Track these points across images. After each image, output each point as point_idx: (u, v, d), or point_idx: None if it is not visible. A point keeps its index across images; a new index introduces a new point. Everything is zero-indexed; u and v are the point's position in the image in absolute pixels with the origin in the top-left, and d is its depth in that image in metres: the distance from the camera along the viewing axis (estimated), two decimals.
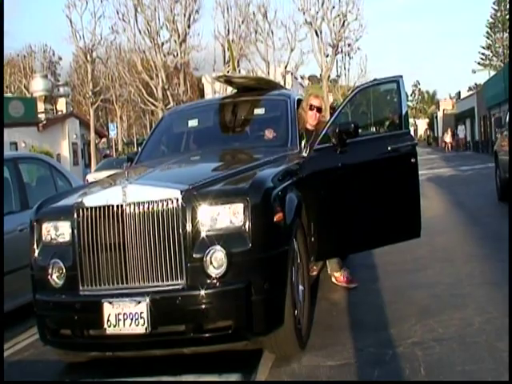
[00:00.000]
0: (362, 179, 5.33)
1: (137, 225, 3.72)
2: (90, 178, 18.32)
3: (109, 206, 3.76)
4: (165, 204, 3.70)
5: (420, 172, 13.11)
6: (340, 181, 5.22)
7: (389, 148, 5.37)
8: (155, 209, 3.71)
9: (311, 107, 5.72)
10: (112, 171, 8.03)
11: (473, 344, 4.02)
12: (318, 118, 5.74)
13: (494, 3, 69.65)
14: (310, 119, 5.72)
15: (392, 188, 5.42)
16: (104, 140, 37.68)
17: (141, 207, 3.72)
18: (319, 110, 5.75)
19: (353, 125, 5.17)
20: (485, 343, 4.01)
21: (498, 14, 69.37)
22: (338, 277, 5.81)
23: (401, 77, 5.69)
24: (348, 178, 5.26)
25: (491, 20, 70.06)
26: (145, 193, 3.77)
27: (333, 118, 5.37)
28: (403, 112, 5.61)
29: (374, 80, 6.01)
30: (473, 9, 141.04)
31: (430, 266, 6.36)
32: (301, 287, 4.34)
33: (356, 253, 6.28)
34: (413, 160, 5.44)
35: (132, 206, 3.73)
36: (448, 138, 48.49)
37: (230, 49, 7.73)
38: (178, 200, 3.69)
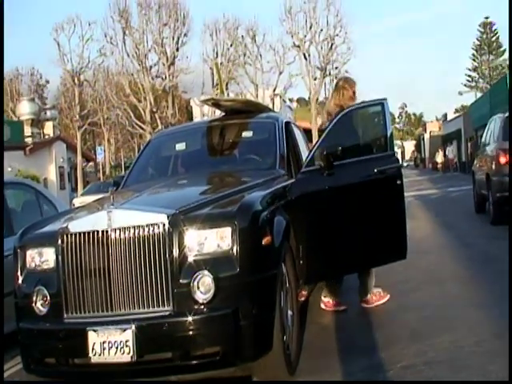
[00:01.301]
0: (349, 201, 5.33)
1: (122, 250, 3.66)
2: (77, 202, 18.23)
3: (94, 232, 3.71)
4: (151, 229, 3.65)
5: (408, 193, 13.65)
6: (327, 203, 5.23)
7: (375, 170, 5.39)
8: (141, 234, 3.65)
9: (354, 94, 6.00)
10: (99, 195, 7.98)
11: (464, 367, 3.97)
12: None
13: (479, 26, 70.77)
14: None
15: (378, 210, 5.42)
16: (91, 163, 37.60)
17: (126, 232, 3.66)
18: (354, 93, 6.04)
19: (339, 147, 5.20)
20: (476, 366, 3.97)
21: (484, 37, 70.40)
22: (369, 299, 5.84)
23: (385, 99, 5.76)
24: (335, 201, 5.27)
25: (477, 42, 71.11)
26: (130, 218, 3.72)
27: (320, 140, 5.38)
28: (388, 134, 5.64)
29: (361, 103, 6.05)
30: (459, 31, 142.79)
31: (418, 288, 6.32)
32: (290, 312, 4.28)
33: (344, 275, 6.24)
34: (398, 182, 5.46)
35: (117, 232, 3.67)
36: (439, 158, 48.51)
37: (217, 72, 7.70)
38: (164, 225, 3.64)
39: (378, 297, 5.82)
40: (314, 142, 5.56)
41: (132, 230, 3.66)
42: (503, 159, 10.41)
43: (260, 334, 3.71)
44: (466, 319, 5.03)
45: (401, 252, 5.51)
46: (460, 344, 4.39)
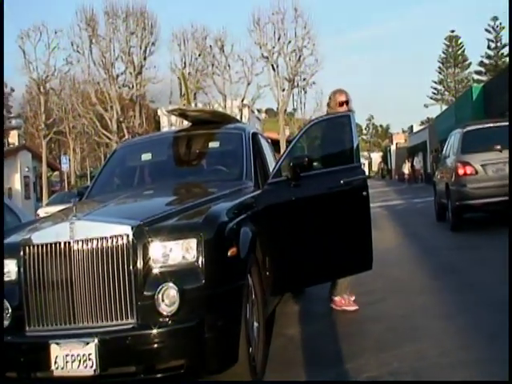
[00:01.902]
0: (316, 213, 5.35)
1: (85, 262, 3.60)
2: (42, 212, 17.96)
3: (56, 243, 3.64)
4: (114, 240, 3.60)
5: (374, 205, 14.04)
6: (294, 214, 5.23)
7: (341, 181, 5.42)
8: (104, 245, 3.60)
9: (341, 104, 6.11)
10: (64, 205, 7.86)
11: (428, 379, 3.99)
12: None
13: (445, 39, 71.92)
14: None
15: (345, 221, 5.44)
16: (56, 173, 37.14)
17: (89, 244, 3.60)
18: (347, 102, 6.18)
19: (306, 158, 5.22)
20: (440, 378, 3.99)
21: (450, 50, 71.55)
22: (338, 301, 5.96)
23: (351, 112, 5.86)
24: (301, 212, 5.27)
25: (443, 55, 72.21)
26: (93, 229, 3.66)
27: (286, 151, 5.40)
28: (354, 146, 5.68)
29: (327, 114, 6.11)
30: (425, 44, 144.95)
31: (384, 299, 6.37)
32: (256, 323, 4.27)
33: (311, 286, 6.27)
34: (364, 193, 5.50)
35: (80, 243, 3.61)
36: (406, 169, 48.35)
37: (184, 82, 7.66)
38: (128, 236, 3.59)
39: (346, 302, 5.87)
40: (282, 152, 5.58)
41: (95, 242, 3.61)
42: (461, 171, 11.49)
43: (225, 347, 3.68)
44: (430, 330, 5.07)
45: (366, 263, 5.53)
46: (424, 355, 4.42)
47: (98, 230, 3.65)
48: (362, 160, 19.65)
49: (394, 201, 24.01)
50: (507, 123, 11.78)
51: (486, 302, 5.76)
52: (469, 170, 11.45)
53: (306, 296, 7.01)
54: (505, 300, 5.08)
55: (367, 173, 34.30)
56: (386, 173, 69.56)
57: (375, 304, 6.15)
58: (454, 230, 11.69)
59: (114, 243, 3.60)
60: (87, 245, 3.62)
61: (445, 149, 14.31)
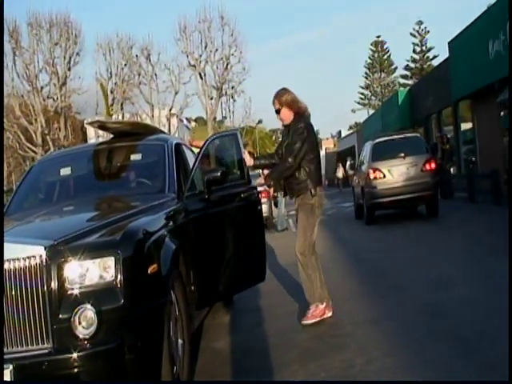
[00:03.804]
0: (224, 226, 5.70)
1: None
2: None
3: None
4: (27, 261, 3.44)
5: None
6: (206, 228, 5.38)
7: (242, 195, 5.81)
8: (17, 267, 3.43)
9: (276, 112, 5.93)
10: None
11: None
12: (285, 115, 5.89)
13: (371, 44, 73.49)
14: (282, 121, 5.98)
15: (247, 234, 5.86)
16: None
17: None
18: (277, 111, 5.93)
19: (220, 172, 5.35)
20: None
21: (376, 55, 73.14)
22: (312, 310, 5.77)
23: (237, 130, 6.29)
24: (212, 225, 5.52)
25: (369, 61, 73.73)
26: (6, 250, 3.49)
27: (194, 168, 5.47)
28: (242, 161, 5.98)
29: (217, 133, 6.53)
30: (351, 50, 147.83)
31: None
32: (180, 340, 4.18)
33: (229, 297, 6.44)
34: (259, 207, 6.02)
35: None
36: (340, 173, 47.35)
37: (103, 93, 7.47)
38: (41, 256, 3.44)
39: (319, 312, 5.73)
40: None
41: (7, 264, 3.44)
42: (372, 175, 14.05)
43: (147, 368, 3.57)
44: (356, 336, 5.09)
45: (264, 273, 6.08)
46: (351, 363, 4.41)
47: (9, 252, 3.48)
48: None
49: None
50: (409, 134, 15.42)
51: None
52: (378, 174, 13.99)
53: (235, 307, 6.95)
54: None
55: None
56: None
57: (301, 313, 6.08)
58: (369, 224, 14.35)
59: (27, 264, 3.45)
60: None
61: (360, 157, 16.69)
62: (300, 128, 5.75)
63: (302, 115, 5.89)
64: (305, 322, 5.66)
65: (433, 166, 14.11)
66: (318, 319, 5.65)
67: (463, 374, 3.90)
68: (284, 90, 5.98)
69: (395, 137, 15.26)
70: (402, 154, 13.96)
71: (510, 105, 13.46)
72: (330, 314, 5.75)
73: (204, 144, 5.83)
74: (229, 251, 5.66)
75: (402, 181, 13.81)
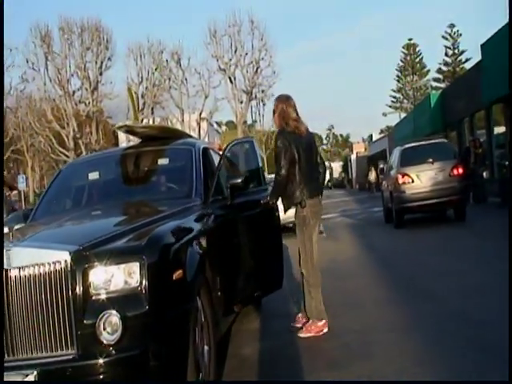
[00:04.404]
0: (245, 232, 5.78)
1: (23, 291, 3.42)
2: None
3: None
4: (52, 267, 3.42)
5: (333, 215, 15.20)
6: (231, 233, 5.49)
7: (262, 201, 5.92)
8: (42, 272, 3.42)
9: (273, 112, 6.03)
10: (20, 225, 7.62)
11: None
12: (276, 122, 6.05)
13: (403, 47, 72.96)
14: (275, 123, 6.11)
15: (266, 240, 6.08)
16: (15, 192, 36.41)
17: (26, 271, 3.42)
18: (273, 113, 6.01)
19: (242, 178, 5.45)
20: None
21: (408, 58, 72.59)
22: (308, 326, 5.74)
23: (252, 138, 6.47)
24: (236, 231, 5.62)
25: (401, 63, 73.18)
26: (30, 255, 3.48)
27: (216, 173, 5.50)
28: (259, 168, 6.16)
29: (235, 140, 6.58)
30: (383, 52, 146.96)
31: (340, 313, 6.25)
32: (206, 347, 4.13)
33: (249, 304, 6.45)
34: (277, 214, 6.23)
35: (17, 271, 3.44)
36: (373, 177, 46.17)
37: (131, 97, 7.50)
38: (66, 262, 3.42)
39: (315, 328, 5.67)
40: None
41: (32, 269, 3.43)
42: (401, 180, 14.42)
43: (172, 375, 3.53)
44: (385, 345, 4.99)
45: (281, 281, 6.35)
46: (380, 373, 4.32)
47: (35, 257, 3.48)
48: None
49: (353, 210, 24.15)
50: (437, 140, 15.86)
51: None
52: (407, 179, 14.36)
53: (264, 312, 6.90)
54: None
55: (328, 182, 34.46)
56: (346, 182, 69.77)
57: (332, 319, 5.93)
58: (397, 227, 14.67)
59: (52, 269, 3.43)
60: (24, 272, 3.44)
61: (389, 162, 17.38)
62: (279, 144, 5.78)
63: (285, 128, 5.87)
64: (300, 334, 5.68)
65: (460, 171, 14.40)
66: (312, 335, 5.61)
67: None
68: (285, 98, 6.01)
69: (423, 142, 15.70)
70: (430, 160, 14.29)
71: (510, 105, 13.45)
72: (325, 330, 5.68)
73: (224, 149, 5.94)
74: (252, 257, 5.78)
75: (430, 186, 14.12)
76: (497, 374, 3.95)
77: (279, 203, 5.94)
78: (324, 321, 5.72)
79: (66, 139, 32.06)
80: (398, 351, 4.78)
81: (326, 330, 5.69)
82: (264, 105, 39.82)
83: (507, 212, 14.94)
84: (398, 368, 4.36)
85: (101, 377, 3.34)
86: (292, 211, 5.92)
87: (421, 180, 14.22)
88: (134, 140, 7.43)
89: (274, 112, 5.99)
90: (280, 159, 5.73)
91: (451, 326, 5.28)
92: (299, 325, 5.82)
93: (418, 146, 15.36)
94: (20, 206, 31.64)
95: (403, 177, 14.38)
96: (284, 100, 5.95)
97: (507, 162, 19.34)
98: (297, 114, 5.94)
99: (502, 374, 3.87)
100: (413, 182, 14.26)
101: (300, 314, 5.98)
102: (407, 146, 15.61)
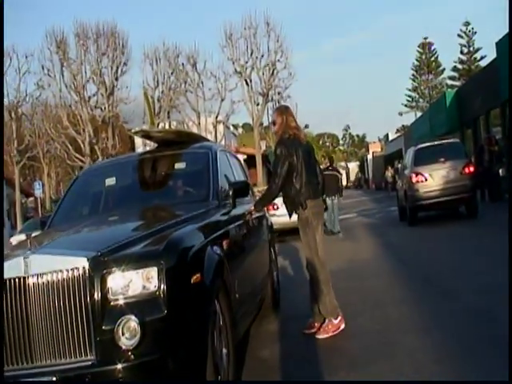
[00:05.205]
0: (251, 236, 6.04)
1: (41, 298, 3.45)
2: (14, 240, 17.61)
3: (11, 279, 3.47)
4: (70, 273, 3.45)
5: (350, 215, 15.53)
6: (244, 236, 5.63)
7: (245, 212, 6.07)
8: (60, 279, 3.45)
9: (273, 123, 6.22)
10: (37, 232, 7.68)
11: None
12: (275, 131, 6.27)
13: (418, 46, 72.58)
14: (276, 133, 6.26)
15: (265, 243, 6.72)
16: (31, 199, 36.68)
17: (44, 278, 3.45)
18: (273, 123, 6.18)
19: (244, 183, 5.65)
20: None
21: (423, 57, 72.19)
22: (325, 326, 5.76)
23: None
24: (246, 234, 5.78)
25: (417, 63, 72.79)
26: (48, 262, 3.50)
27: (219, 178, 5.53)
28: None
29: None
30: (398, 52, 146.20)
31: (360, 313, 6.25)
32: (225, 350, 4.14)
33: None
34: (270, 220, 7.07)
35: (35, 278, 3.46)
36: (389, 176, 45.68)
37: (147, 102, 7.55)
38: (84, 268, 3.45)
39: (332, 327, 5.70)
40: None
41: (50, 276, 3.46)
42: (415, 179, 14.97)
43: (191, 378, 3.53)
44: (405, 345, 4.97)
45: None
46: (400, 372, 4.32)
47: (53, 263, 3.51)
48: (340, 170, 19.92)
49: (370, 210, 24.13)
50: (449, 140, 16.51)
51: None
52: (420, 178, 14.91)
53: (283, 314, 6.90)
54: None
55: (344, 183, 34.29)
56: (363, 182, 69.50)
57: (351, 319, 5.93)
58: (411, 225, 15.20)
59: (70, 276, 3.45)
60: (42, 279, 3.46)
61: (403, 162, 18.08)
62: (278, 153, 5.91)
63: (283, 137, 6.00)
64: (318, 335, 5.68)
65: (471, 169, 14.94)
66: (331, 334, 5.64)
67: None
68: (285, 109, 6.33)
69: (436, 143, 16.33)
70: (443, 159, 14.91)
71: (510, 105, 13.42)
72: (343, 327, 5.73)
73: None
74: (259, 259, 6.20)
75: (443, 184, 14.71)
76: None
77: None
78: (340, 317, 5.75)
79: (81, 145, 32.22)
80: (417, 351, 4.75)
81: (343, 326, 5.72)
82: None
83: None
84: (417, 367, 4.36)
85: (120, 382, 3.35)
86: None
87: (433, 179, 14.76)
88: (151, 145, 7.46)
89: (273, 123, 6.17)
90: (277, 167, 5.85)
91: (469, 324, 5.25)
92: (313, 330, 5.81)
93: (431, 146, 15.95)
94: (36, 213, 31.79)
95: (417, 176, 14.95)
96: (284, 111, 6.21)
97: None
98: (296, 123, 6.13)
99: None
100: (426, 180, 14.82)
101: (311, 319, 5.96)
102: (420, 146, 16.21)
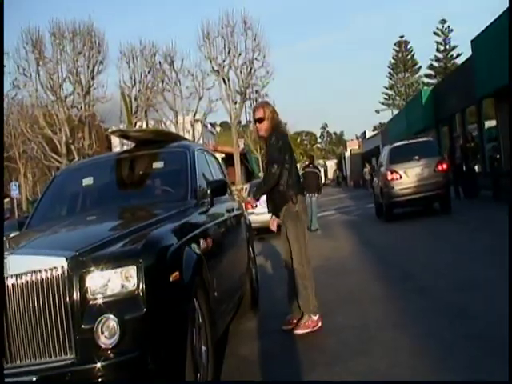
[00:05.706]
0: (228, 233, 5.99)
1: (20, 298, 3.46)
2: None
3: None
4: (49, 273, 3.45)
5: (329, 212, 15.69)
6: (222, 234, 5.62)
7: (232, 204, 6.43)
8: (39, 279, 3.45)
9: (258, 120, 6.04)
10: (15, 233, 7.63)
11: None
12: (266, 127, 6.02)
13: (395, 45, 73.11)
14: (260, 131, 6.10)
15: (243, 241, 6.81)
16: (8, 200, 36.21)
17: (23, 278, 3.45)
18: (260, 120, 6.02)
19: (222, 182, 5.72)
20: None
21: (400, 55, 72.72)
22: (303, 323, 5.81)
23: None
24: (225, 233, 5.82)
25: (393, 61, 73.30)
26: (27, 263, 3.51)
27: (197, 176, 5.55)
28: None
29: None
30: (375, 51, 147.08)
31: (337, 310, 6.33)
32: (204, 348, 4.16)
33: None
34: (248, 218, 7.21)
35: (14, 278, 3.47)
36: (368, 173, 43.02)
37: (124, 102, 7.51)
38: (63, 268, 3.46)
39: (311, 323, 5.77)
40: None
41: (29, 276, 3.46)
42: (390, 176, 15.49)
43: (170, 376, 3.57)
44: (382, 340, 5.04)
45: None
46: (375, 366, 4.39)
47: (31, 264, 3.51)
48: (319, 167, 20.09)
49: (349, 207, 24.26)
50: (423, 139, 17.27)
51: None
52: (395, 175, 15.39)
53: (261, 312, 6.94)
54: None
55: (323, 180, 34.43)
56: (341, 180, 69.79)
57: (329, 316, 6.02)
58: (388, 221, 15.66)
59: (49, 276, 3.46)
60: (21, 279, 3.47)
61: (379, 159, 18.46)
62: (275, 139, 5.92)
63: (276, 130, 6.04)
64: (296, 331, 5.73)
65: (444, 166, 15.48)
66: (309, 330, 5.71)
67: (491, 374, 3.85)
68: (269, 104, 6.30)
69: (410, 141, 16.96)
70: (417, 157, 15.44)
71: (510, 105, 13.56)
72: (320, 324, 5.79)
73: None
74: (238, 257, 6.24)
75: (417, 181, 15.23)
76: (493, 363, 4.03)
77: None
78: (318, 315, 5.82)
79: (58, 145, 31.96)
80: (393, 346, 4.82)
81: (320, 323, 5.78)
82: None
83: (496, 205, 15.17)
84: (393, 361, 4.43)
85: (100, 380, 3.37)
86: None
87: (408, 176, 15.27)
88: (128, 144, 7.45)
89: (260, 120, 6.03)
90: (275, 155, 5.88)
91: (445, 319, 5.34)
92: (290, 326, 5.86)
93: (406, 145, 16.58)
94: (12, 215, 31.32)
95: (392, 173, 15.50)
96: (269, 106, 6.21)
97: (498, 156, 19.44)
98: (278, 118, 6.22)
99: (498, 363, 3.93)
100: (401, 178, 15.35)
101: (289, 316, 6.01)
102: (395, 144, 16.86)
